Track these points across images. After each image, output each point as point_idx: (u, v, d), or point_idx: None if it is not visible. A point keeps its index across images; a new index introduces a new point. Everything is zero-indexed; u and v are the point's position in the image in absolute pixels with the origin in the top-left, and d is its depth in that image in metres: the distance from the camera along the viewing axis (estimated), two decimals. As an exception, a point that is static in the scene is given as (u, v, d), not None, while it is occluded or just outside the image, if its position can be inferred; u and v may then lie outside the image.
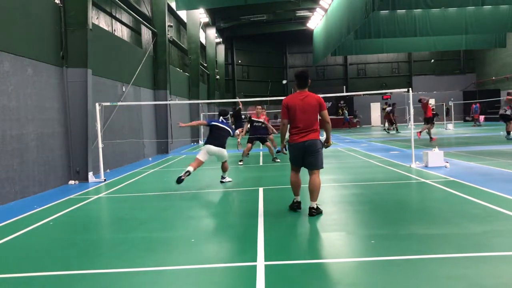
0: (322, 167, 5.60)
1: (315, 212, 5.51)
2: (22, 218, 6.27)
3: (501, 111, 15.30)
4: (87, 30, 9.84)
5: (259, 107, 12.85)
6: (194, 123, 9.49)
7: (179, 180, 7.79)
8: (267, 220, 5.39)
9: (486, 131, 17.00)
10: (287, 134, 5.72)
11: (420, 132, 16.36)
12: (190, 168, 7.93)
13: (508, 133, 15.48)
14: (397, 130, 25.08)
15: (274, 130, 13.32)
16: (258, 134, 12.22)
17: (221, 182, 8.66)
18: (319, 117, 5.59)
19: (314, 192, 5.49)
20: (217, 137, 8.40)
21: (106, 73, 11.93)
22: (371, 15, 16.33)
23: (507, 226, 4.67)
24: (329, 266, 3.80)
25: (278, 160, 12.19)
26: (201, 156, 8.19)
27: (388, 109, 25.63)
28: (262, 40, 41.14)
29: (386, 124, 25.77)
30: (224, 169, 8.64)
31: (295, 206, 5.81)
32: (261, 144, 12.82)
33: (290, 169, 5.78)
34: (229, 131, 8.63)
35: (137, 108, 14.72)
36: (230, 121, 11.91)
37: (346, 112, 37.66)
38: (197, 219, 5.86)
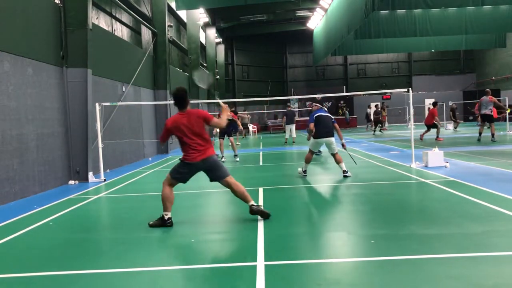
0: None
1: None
2: (22, 218, 6.27)
3: (487, 111, 15.09)
4: (87, 30, 9.84)
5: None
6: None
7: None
8: (267, 220, 5.38)
9: (486, 131, 16.99)
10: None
11: (438, 136, 16.42)
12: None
13: (493, 135, 15.29)
14: (374, 131, 25.02)
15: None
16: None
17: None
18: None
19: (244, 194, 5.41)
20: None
21: (106, 73, 11.93)
22: (371, 15, 16.34)
23: (507, 226, 4.67)
24: (329, 266, 3.80)
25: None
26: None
27: (371, 110, 25.56)
28: (262, 40, 41.11)
29: (372, 126, 25.66)
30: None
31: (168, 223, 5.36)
32: (261, 144, 12.88)
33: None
34: None
35: (137, 108, 14.71)
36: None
37: (347, 112, 37.56)
38: (197, 219, 5.86)
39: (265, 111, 37.75)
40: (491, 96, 15.31)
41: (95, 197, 7.87)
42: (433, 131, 17.10)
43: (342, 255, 4.12)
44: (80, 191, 8.49)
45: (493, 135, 15.24)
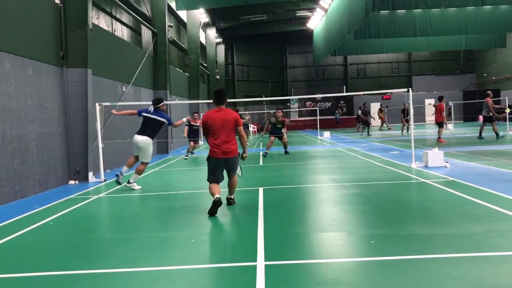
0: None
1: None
2: (22, 218, 6.27)
3: (484, 113, 15.64)
4: (87, 30, 9.84)
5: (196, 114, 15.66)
6: (126, 112, 9.23)
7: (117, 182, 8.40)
8: (267, 220, 5.39)
9: (486, 131, 17.01)
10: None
11: (439, 137, 16.25)
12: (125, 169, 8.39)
13: (496, 134, 15.58)
14: (362, 131, 24.64)
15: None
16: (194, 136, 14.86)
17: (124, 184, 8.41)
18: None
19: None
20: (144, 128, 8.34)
21: (106, 73, 11.93)
22: (371, 15, 16.34)
23: (507, 226, 4.67)
24: (329, 266, 3.79)
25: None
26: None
27: (359, 110, 25.09)
28: (262, 40, 41.11)
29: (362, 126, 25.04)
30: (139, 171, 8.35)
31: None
32: (261, 144, 12.91)
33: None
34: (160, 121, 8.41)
35: (137, 108, 14.69)
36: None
37: (338, 112, 37.40)
38: (197, 219, 5.86)
39: (265, 111, 37.75)
40: (488, 99, 15.54)
41: (95, 197, 7.87)
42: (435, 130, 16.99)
43: (342, 255, 4.12)
44: (80, 191, 8.49)
45: (496, 134, 15.60)
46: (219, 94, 5.97)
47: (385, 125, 29.68)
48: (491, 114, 15.44)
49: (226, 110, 5.93)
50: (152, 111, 8.47)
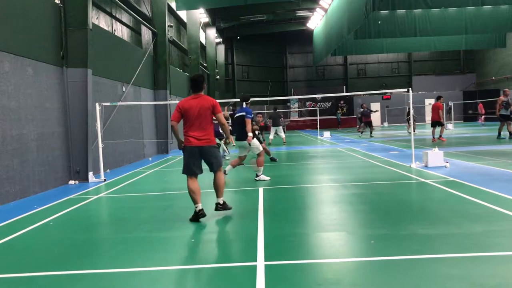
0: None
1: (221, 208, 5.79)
2: (22, 218, 6.27)
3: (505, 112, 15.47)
4: (87, 30, 9.84)
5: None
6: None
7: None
8: (267, 220, 5.39)
9: (486, 131, 17.00)
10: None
11: (441, 135, 16.15)
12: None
13: (510, 133, 15.57)
14: (362, 132, 23.71)
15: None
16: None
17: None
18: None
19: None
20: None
21: (106, 73, 11.93)
22: (371, 15, 16.34)
23: (507, 226, 4.67)
24: (329, 266, 3.79)
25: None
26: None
27: (359, 110, 24.26)
28: (262, 40, 41.12)
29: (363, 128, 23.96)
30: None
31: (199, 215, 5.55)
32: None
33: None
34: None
35: (137, 108, 14.72)
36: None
37: (339, 112, 37.10)
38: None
39: (265, 111, 37.77)
40: (500, 97, 15.50)
41: (95, 197, 7.87)
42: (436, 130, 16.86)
43: (342, 255, 4.12)
44: (80, 191, 8.49)
45: (510, 133, 15.57)
46: (195, 81, 5.62)
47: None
48: (508, 113, 15.34)
49: (203, 97, 5.56)
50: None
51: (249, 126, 8.45)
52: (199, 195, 5.54)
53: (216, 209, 5.74)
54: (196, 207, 5.51)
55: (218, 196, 5.76)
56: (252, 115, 8.95)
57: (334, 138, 22.96)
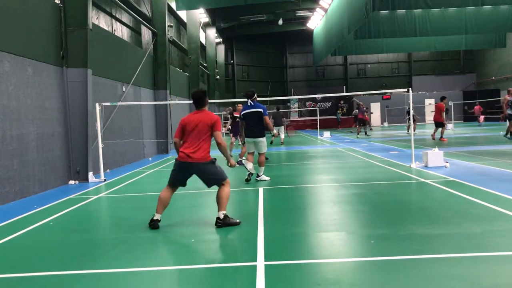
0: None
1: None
2: (22, 218, 6.27)
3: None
4: (87, 30, 9.84)
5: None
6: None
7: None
8: (267, 220, 5.39)
9: (486, 131, 17.00)
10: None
11: (441, 136, 16.11)
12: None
13: (508, 132, 15.53)
14: (358, 133, 23.34)
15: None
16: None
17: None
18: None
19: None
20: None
21: (106, 73, 11.93)
22: (371, 15, 16.35)
23: (507, 226, 4.67)
24: (329, 266, 3.79)
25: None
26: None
27: (355, 111, 24.00)
28: (262, 40, 41.15)
29: (361, 127, 23.59)
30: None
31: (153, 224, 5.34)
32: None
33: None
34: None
35: (137, 108, 14.72)
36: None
37: (339, 112, 36.99)
38: (197, 219, 5.86)
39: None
40: (506, 96, 15.26)
41: (95, 197, 7.87)
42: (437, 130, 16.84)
43: (342, 255, 4.12)
44: (80, 191, 8.49)
45: (507, 132, 15.41)
46: (196, 97, 5.44)
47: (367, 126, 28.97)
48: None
49: (205, 113, 5.37)
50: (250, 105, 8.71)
51: (270, 124, 8.62)
52: (163, 207, 5.36)
53: (216, 224, 5.25)
54: (154, 216, 5.33)
55: (219, 209, 5.29)
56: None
57: (334, 138, 22.96)
